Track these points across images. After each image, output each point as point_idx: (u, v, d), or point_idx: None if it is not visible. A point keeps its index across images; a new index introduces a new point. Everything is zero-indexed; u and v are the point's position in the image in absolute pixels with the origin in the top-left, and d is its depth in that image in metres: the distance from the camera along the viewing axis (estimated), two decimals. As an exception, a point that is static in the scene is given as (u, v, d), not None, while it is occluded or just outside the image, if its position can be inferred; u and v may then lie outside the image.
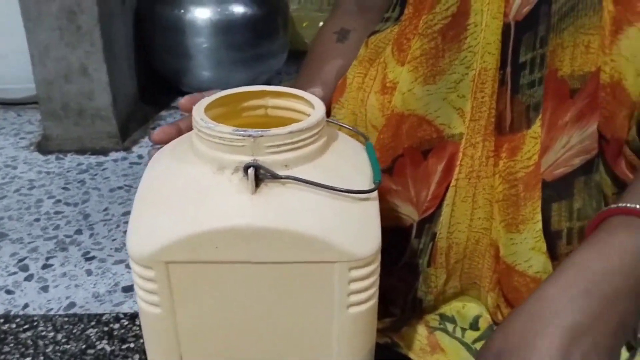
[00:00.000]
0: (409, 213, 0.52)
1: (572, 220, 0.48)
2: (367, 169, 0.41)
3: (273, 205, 0.35)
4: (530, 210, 0.48)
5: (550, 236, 0.48)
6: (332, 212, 0.36)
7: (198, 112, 0.39)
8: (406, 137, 0.50)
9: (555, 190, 0.48)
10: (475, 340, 0.55)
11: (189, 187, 0.37)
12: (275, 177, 0.36)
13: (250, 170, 0.35)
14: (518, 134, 0.47)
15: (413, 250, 0.53)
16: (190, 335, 0.39)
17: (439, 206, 0.51)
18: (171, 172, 0.39)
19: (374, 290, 0.38)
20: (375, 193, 0.39)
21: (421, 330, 0.55)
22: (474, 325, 0.56)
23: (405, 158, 0.50)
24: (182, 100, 0.47)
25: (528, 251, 0.48)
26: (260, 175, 0.36)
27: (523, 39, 0.47)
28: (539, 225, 0.48)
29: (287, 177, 0.36)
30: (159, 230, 0.36)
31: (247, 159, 0.36)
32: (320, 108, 0.40)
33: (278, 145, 0.36)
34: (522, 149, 0.47)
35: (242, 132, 0.35)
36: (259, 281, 0.37)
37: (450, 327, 0.56)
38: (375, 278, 0.38)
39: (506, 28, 0.47)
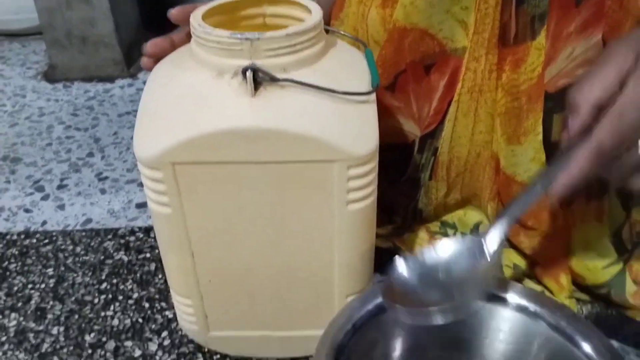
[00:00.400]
0: (411, 129, 0.53)
1: None
2: (365, 74, 0.42)
3: (272, 107, 0.37)
4: (532, 122, 0.48)
5: (550, 147, 0.49)
6: (331, 113, 0.38)
7: (195, 18, 0.39)
8: (408, 51, 0.50)
9: (557, 102, 0.48)
10: (475, 244, 0.57)
11: (190, 92, 0.38)
12: (273, 79, 0.37)
13: (249, 73, 0.36)
14: (522, 45, 0.47)
15: (415, 166, 0.55)
16: (199, 233, 0.41)
17: (441, 122, 0.52)
18: (172, 79, 0.40)
19: (372, 188, 0.40)
20: (373, 96, 0.40)
21: (422, 235, 0.57)
22: (475, 231, 0.58)
23: (408, 74, 0.50)
24: (173, 11, 0.46)
25: (528, 162, 0.49)
26: (258, 79, 0.37)
27: None
28: (540, 136, 0.48)
29: (286, 80, 0.37)
30: (163, 133, 0.37)
31: (246, 62, 0.37)
32: (317, 12, 0.40)
33: (275, 49, 0.37)
34: (526, 61, 0.47)
35: (239, 36, 0.36)
36: (262, 180, 0.38)
37: (450, 232, 0.58)
38: (373, 177, 0.40)
39: None
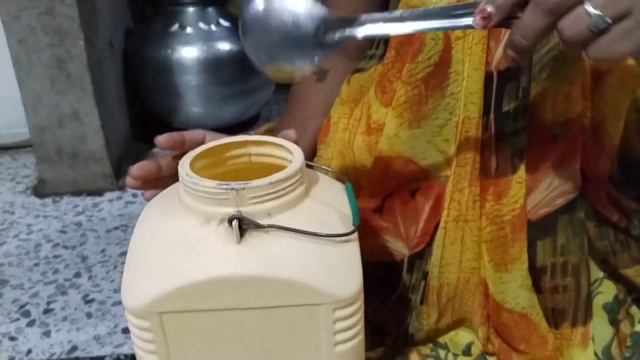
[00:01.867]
0: (400, 248, 0.54)
1: (556, 256, 0.50)
2: (347, 210, 0.43)
3: (258, 254, 0.38)
4: (518, 250, 0.49)
5: (536, 272, 0.50)
6: (314, 256, 0.38)
7: (183, 167, 0.41)
8: (394, 177, 0.51)
9: (539, 229, 0.50)
10: (466, 365, 0.56)
11: (178, 239, 0.39)
12: (258, 226, 0.38)
13: (235, 222, 0.37)
14: (504, 178, 0.49)
15: (405, 285, 0.55)
16: (186, 379, 0.41)
17: (429, 244, 0.53)
18: (160, 225, 0.41)
19: (359, 327, 0.40)
20: (355, 235, 0.41)
21: (414, 358, 0.57)
22: (467, 352, 0.58)
23: (395, 197, 0.52)
24: (160, 139, 0.46)
25: (516, 289, 0.50)
26: (244, 226, 0.38)
27: (505, 89, 0.48)
28: (526, 264, 0.50)
29: (270, 226, 0.38)
30: (151, 282, 0.38)
31: (232, 210, 0.38)
32: (298, 157, 0.42)
33: (260, 196, 0.38)
34: (509, 193, 0.49)
35: (225, 186, 0.38)
36: (249, 325, 0.39)
37: (442, 353, 0.57)
38: (359, 316, 0.40)
39: (489, 76, 0.48)
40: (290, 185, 0.40)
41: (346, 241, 0.40)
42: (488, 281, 0.51)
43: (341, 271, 0.39)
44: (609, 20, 0.33)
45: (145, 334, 0.39)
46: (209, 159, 0.45)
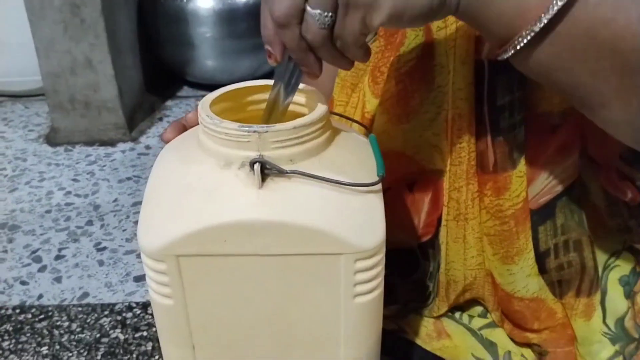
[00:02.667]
0: (407, 238, 0.53)
1: (557, 236, 0.49)
2: (371, 162, 0.42)
3: (279, 200, 0.36)
4: (523, 241, 0.48)
5: (540, 256, 0.49)
6: (337, 205, 0.37)
7: (204, 108, 0.39)
8: (389, 172, 0.50)
9: (540, 216, 0.48)
10: (482, 327, 0.56)
11: (197, 182, 0.38)
12: (280, 172, 0.37)
13: (257, 166, 0.36)
14: (503, 174, 0.47)
15: (424, 271, 0.54)
16: (201, 325, 0.40)
17: (435, 235, 0.51)
18: (179, 167, 0.40)
19: (380, 280, 0.39)
20: (379, 186, 0.40)
21: (428, 317, 0.56)
22: (483, 315, 0.57)
23: (393, 191, 0.51)
24: (167, 134, 0.47)
25: (525, 278, 0.49)
26: (266, 170, 0.37)
27: (499, 82, 0.45)
28: (532, 252, 0.48)
29: (293, 172, 0.37)
30: (169, 224, 0.37)
31: (253, 154, 0.37)
32: (323, 103, 0.40)
33: (283, 141, 0.37)
34: (510, 188, 0.47)
35: (247, 128, 0.36)
36: (267, 273, 0.38)
37: (457, 314, 0.57)
38: (380, 269, 0.39)
39: (479, 66, 0.45)
40: (314, 132, 0.38)
41: (370, 192, 0.39)
42: (494, 273, 0.50)
43: (364, 221, 0.38)
44: (330, 14, 0.33)
45: (162, 277, 0.38)
46: (228, 103, 0.43)
